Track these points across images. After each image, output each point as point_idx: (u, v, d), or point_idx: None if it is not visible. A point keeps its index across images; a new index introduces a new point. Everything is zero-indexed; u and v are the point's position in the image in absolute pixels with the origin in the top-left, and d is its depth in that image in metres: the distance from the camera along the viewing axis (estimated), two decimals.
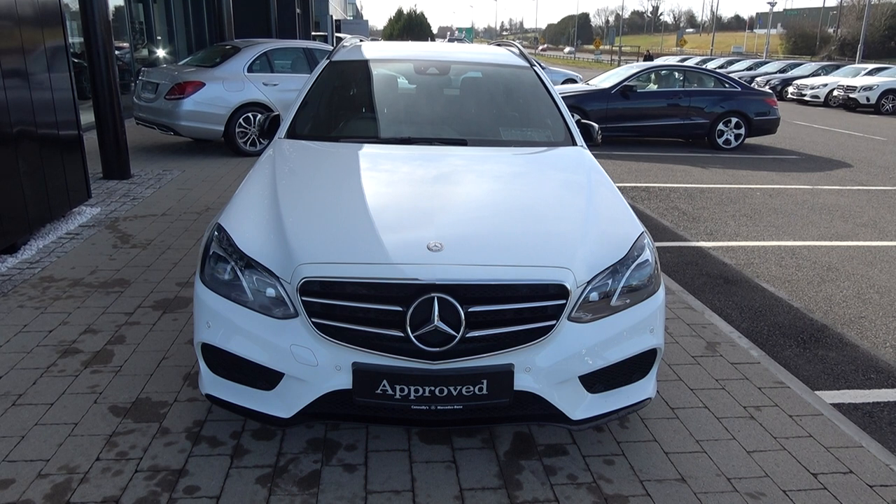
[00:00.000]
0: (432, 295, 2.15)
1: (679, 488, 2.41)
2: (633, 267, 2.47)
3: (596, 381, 2.40)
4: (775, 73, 27.17)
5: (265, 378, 2.32)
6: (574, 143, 3.57)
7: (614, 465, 2.53)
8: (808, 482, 2.48)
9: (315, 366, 2.23)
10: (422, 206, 2.60)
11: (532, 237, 2.42)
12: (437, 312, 2.15)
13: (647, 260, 2.53)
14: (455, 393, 2.21)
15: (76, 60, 9.28)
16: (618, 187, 2.99)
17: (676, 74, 11.96)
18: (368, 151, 3.29)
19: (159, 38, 15.07)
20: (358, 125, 3.78)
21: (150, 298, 3.94)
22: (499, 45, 4.96)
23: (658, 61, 35.56)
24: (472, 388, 2.21)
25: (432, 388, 2.19)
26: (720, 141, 11.50)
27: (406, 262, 2.21)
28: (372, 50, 4.23)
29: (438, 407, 2.23)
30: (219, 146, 9.09)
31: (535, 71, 4.03)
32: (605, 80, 12.15)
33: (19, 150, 4.62)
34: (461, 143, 3.44)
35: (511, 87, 3.99)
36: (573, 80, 20.21)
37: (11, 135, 4.52)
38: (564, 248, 2.38)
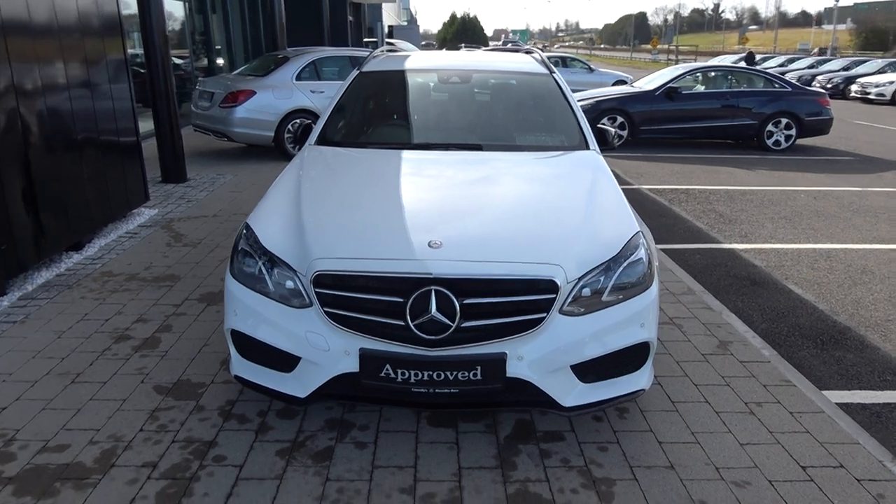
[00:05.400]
0: (430, 288, 2.37)
1: (666, 475, 2.55)
2: (625, 265, 2.62)
3: (588, 371, 2.56)
4: (838, 70, 26.22)
5: (285, 361, 2.58)
6: (587, 148, 3.72)
7: (607, 451, 2.69)
8: (795, 474, 2.57)
9: (327, 351, 2.47)
10: (429, 207, 2.82)
11: (527, 236, 2.61)
12: (434, 304, 2.36)
13: (640, 258, 2.68)
14: (451, 378, 2.41)
15: (141, 70, 9.90)
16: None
17: (724, 75, 11.80)
18: (387, 156, 3.53)
19: (218, 47, 15.79)
20: (381, 132, 4.04)
21: (196, 292, 4.29)
22: (528, 52, 5.14)
23: (713, 61, 34.80)
24: (466, 374, 2.41)
25: (430, 373, 2.41)
26: (769, 142, 11.30)
27: (407, 258, 2.43)
28: (399, 61, 4.48)
29: (436, 390, 2.44)
30: (269, 151, 9.54)
31: (553, 78, 4.20)
32: (651, 81, 12.10)
33: (84, 156, 5.07)
34: (476, 147, 3.64)
35: (529, 94, 4.17)
36: (623, 82, 20.11)
37: (77, 142, 4.98)
38: (557, 246, 2.55)
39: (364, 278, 2.42)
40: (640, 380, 2.69)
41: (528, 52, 5.15)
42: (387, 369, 2.42)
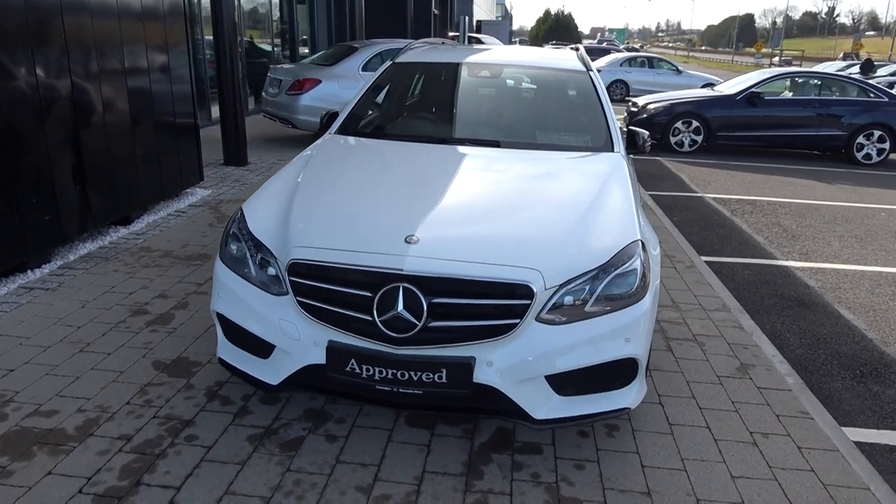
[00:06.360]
0: (398, 284, 2.31)
1: (640, 501, 2.39)
2: (614, 274, 2.47)
3: (566, 384, 2.44)
4: None
5: (262, 348, 2.59)
6: (612, 150, 3.54)
7: (584, 470, 2.55)
8: None
9: (297, 340, 2.46)
10: (420, 202, 2.76)
11: (510, 238, 2.50)
12: (401, 301, 2.31)
13: (633, 269, 2.52)
14: (416, 378, 2.35)
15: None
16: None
17: (812, 82, 11.05)
18: (397, 149, 3.49)
19: (304, 37, 16.24)
20: (401, 124, 4.00)
21: None
22: (574, 48, 4.97)
23: (819, 67, 32.72)
24: (431, 376, 2.34)
25: (394, 372, 2.35)
26: (859, 155, 10.51)
27: (379, 253, 2.38)
28: (435, 53, 4.43)
29: (400, 390, 2.38)
30: None
31: (589, 76, 4.03)
32: (734, 85, 11.49)
33: (136, 136, 5.31)
34: (494, 144, 3.54)
35: (560, 91, 4.02)
36: (712, 85, 19.21)
37: (130, 122, 5.22)
38: (538, 250, 2.43)
39: (336, 270, 2.39)
40: (625, 398, 2.54)
41: (574, 48, 4.98)
42: (352, 364, 2.39)
